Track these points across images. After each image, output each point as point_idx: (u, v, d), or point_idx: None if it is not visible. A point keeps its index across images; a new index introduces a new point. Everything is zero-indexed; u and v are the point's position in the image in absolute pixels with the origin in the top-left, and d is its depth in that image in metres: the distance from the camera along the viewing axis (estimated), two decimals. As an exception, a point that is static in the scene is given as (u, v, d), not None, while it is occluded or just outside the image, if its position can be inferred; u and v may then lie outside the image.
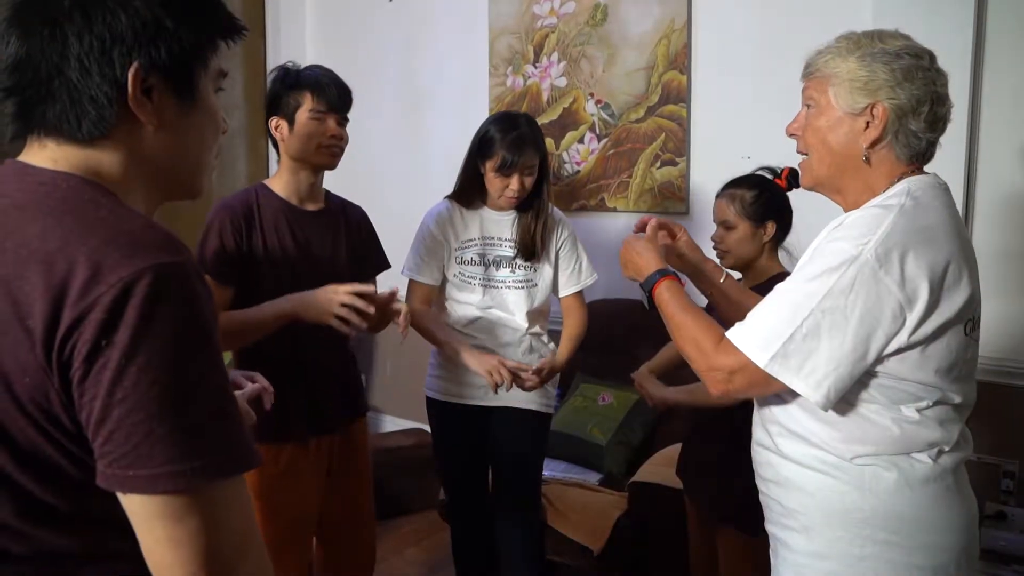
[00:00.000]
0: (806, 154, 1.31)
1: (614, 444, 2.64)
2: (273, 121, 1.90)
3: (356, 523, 2.05)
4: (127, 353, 0.68)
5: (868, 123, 1.21)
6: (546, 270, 2.23)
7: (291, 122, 1.88)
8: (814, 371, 1.13)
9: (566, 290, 2.29)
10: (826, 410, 1.17)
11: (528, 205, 2.19)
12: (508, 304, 2.21)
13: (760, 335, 1.17)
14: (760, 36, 2.74)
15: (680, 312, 1.30)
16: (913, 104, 1.20)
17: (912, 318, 1.12)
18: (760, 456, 1.34)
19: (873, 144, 1.22)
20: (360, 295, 1.72)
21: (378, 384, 4.11)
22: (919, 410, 1.19)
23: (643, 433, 2.68)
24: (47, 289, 0.69)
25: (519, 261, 2.21)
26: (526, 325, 2.22)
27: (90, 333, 0.68)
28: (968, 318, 1.19)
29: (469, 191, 2.20)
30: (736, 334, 1.20)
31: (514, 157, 2.07)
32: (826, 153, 1.26)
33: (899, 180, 1.23)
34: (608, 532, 2.31)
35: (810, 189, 1.35)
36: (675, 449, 2.46)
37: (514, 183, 2.10)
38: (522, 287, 2.21)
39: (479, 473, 2.27)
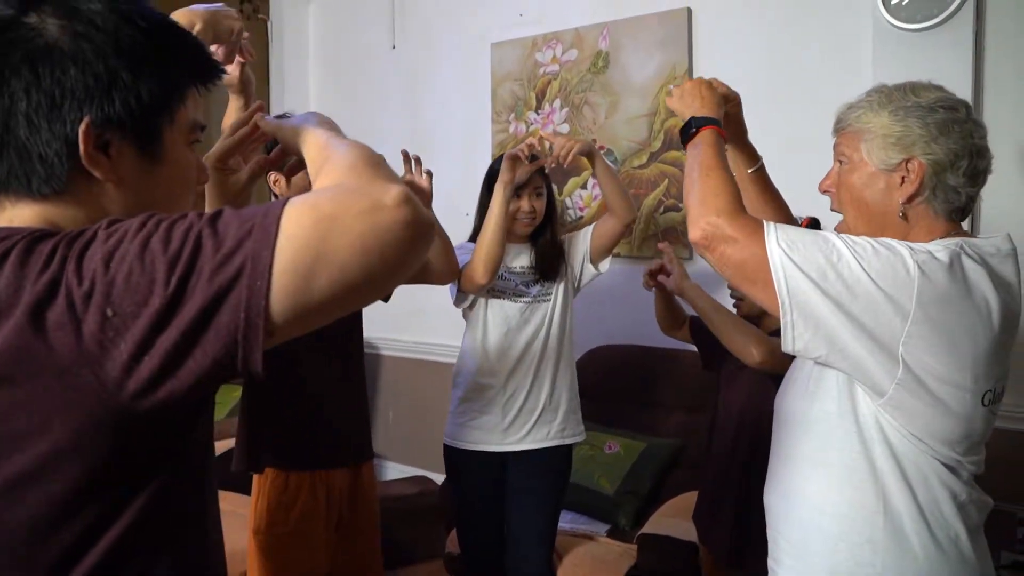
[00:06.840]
0: (840, 212, 1.28)
1: (622, 494, 2.59)
2: (271, 176, 1.88)
3: None
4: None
5: (903, 178, 1.18)
6: (562, 286, 2.25)
7: (288, 177, 1.84)
8: (793, 247, 1.08)
9: (591, 229, 2.29)
10: (773, 310, 1.10)
11: (540, 234, 2.26)
12: (524, 320, 2.20)
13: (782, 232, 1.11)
14: (761, 84, 2.75)
15: (718, 167, 1.22)
16: (951, 159, 1.16)
17: (901, 346, 1.08)
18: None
19: (910, 199, 1.18)
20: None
21: (380, 431, 4.06)
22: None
23: (651, 482, 2.63)
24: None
25: (539, 279, 2.24)
26: (541, 343, 2.20)
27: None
28: (987, 389, 1.15)
29: None
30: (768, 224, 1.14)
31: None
32: (862, 210, 1.23)
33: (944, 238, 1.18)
34: (617, 585, 2.26)
35: None
36: (683, 499, 2.42)
37: (525, 204, 2.17)
38: (539, 301, 2.22)
39: (494, 525, 2.23)
